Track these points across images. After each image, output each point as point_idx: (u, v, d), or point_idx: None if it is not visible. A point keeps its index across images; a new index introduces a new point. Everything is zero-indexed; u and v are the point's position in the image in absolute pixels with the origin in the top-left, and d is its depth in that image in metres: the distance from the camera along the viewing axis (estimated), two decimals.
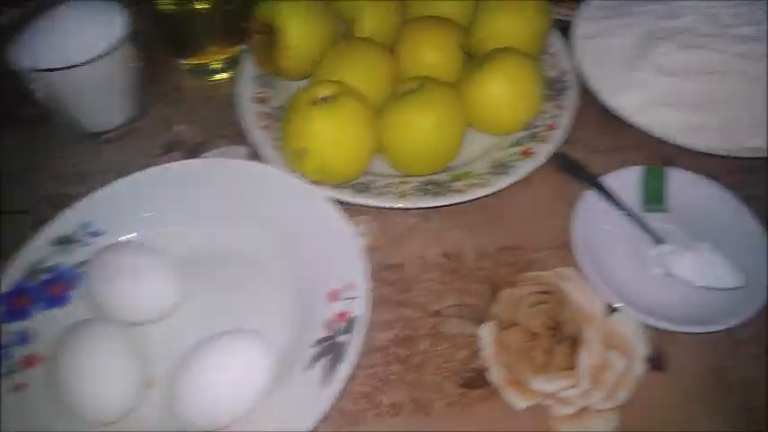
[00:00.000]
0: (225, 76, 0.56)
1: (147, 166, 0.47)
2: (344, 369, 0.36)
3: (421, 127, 0.42)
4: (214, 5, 0.50)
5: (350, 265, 0.39)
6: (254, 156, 0.49)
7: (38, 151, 0.51)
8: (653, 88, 0.46)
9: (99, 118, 0.49)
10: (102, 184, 0.46)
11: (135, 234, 0.42)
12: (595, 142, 0.50)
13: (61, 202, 0.46)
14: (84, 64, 0.43)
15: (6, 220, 0.47)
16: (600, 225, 0.44)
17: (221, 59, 0.55)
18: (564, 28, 0.54)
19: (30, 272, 0.40)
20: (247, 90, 0.50)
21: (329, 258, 0.40)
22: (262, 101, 0.50)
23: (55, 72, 0.43)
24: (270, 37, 0.47)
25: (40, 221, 0.43)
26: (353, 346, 0.36)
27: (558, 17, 0.58)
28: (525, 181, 0.46)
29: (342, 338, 0.37)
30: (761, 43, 0.44)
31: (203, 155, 0.51)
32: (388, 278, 0.43)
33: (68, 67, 0.43)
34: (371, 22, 0.49)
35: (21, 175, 0.50)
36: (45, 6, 0.47)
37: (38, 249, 0.40)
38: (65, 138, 0.52)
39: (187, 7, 0.50)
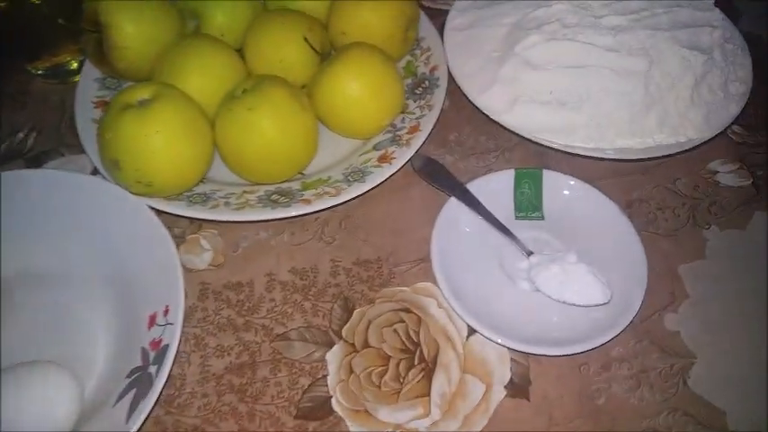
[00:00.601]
0: (76, 78, 0.50)
1: None
2: (147, 404, 0.31)
3: (259, 130, 0.38)
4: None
5: (169, 286, 0.35)
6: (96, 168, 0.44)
7: None
8: (520, 84, 0.42)
9: None
10: None
11: None
12: (470, 144, 0.47)
13: None
14: None
15: None
16: (463, 236, 0.40)
17: (68, 61, 0.50)
18: (435, 13, 0.50)
19: None
20: (86, 93, 0.45)
21: (151, 279, 0.36)
22: (102, 104, 0.45)
23: None
24: (100, 35, 0.42)
25: None
26: (159, 378, 0.32)
27: (434, 6, 0.54)
28: (388, 188, 0.42)
29: (151, 369, 0.32)
30: (631, 34, 0.40)
31: (45, 164, 0.46)
32: (232, 299, 0.39)
33: None
34: (221, 18, 0.45)
35: None
36: None
37: None
38: None
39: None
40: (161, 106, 0.36)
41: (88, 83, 0.46)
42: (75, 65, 0.50)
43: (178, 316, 0.34)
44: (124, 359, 0.34)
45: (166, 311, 0.34)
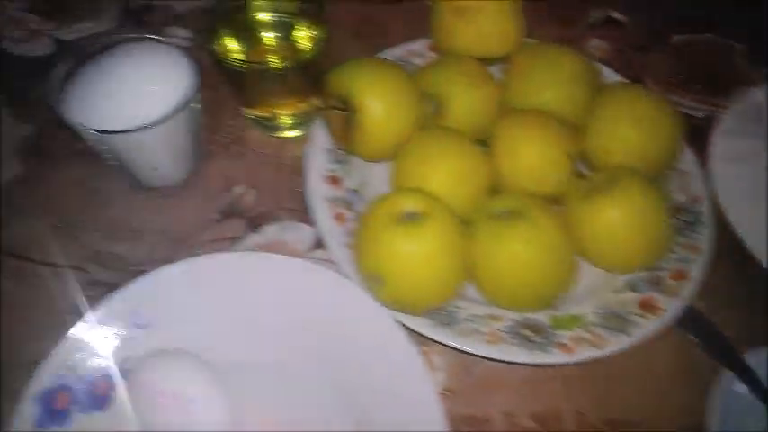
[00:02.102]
0: (292, 134, 0.49)
1: (203, 230, 0.44)
2: None
3: (528, 265, 0.35)
4: (288, 65, 0.43)
5: (424, 413, 0.32)
6: (319, 240, 0.43)
7: (89, 198, 0.46)
8: None
9: (156, 174, 0.43)
10: (153, 246, 0.43)
11: (179, 334, 0.36)
12: (729, 292, 0.41)
13: (110, 261, 0.43)
14: (146, 127, 0.37)
15: (53, 275, 0.42)
16: (741, 417, 0.35)
17: (290, 115, 0.48)
18: (692, 126, 0.45)
19: (70, 365, 0.34)
20: (317, 166, 0.43)
21: (399, 407, 0.33)
22: (333, 181, 0.43)
23: (115, 134, 0.37)
24: (346, 114, 0.40)
25: (89, 282, 0.41)
26: None
27: (685, 111, 0.50)
28: None
29: None
30: None
31: (263, 228, 0.45)
32: None
33: (130, 131, 0.37)
34: (463, 107, 0.42)
35: (71, 225, 0.45)
36: (103, 46, 0.42)
37: (81, 337, 0.35)
38: (118, 187, 0.46)
39: (259, 66, 0.43)
40: (433, 224, 0.34)
41: (316, 152, 0.44)
42: (289, 121, 0.49)
43: None
44: None
45: None
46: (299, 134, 0.49)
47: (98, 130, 0.37)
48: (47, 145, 0.49)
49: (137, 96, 0.39)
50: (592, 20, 0.58)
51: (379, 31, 0.57)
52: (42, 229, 0.44)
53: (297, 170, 0.47)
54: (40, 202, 0.46)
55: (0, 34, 0.56)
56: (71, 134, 0.49)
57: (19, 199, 0.46)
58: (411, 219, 0.34)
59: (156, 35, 0.55)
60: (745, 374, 0.36)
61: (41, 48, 0.55)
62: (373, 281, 0.35)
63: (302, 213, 0.45)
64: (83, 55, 0.41)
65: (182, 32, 0.56)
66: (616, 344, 0.35)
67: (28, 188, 0.46)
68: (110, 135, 0.38)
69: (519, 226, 0.35)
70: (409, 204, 0.35)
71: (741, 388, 0.36)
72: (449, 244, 0.34)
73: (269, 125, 0.49)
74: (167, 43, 0.42)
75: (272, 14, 0.47)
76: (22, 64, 0.54)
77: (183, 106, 0.38)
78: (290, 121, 0.49)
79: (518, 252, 0.35)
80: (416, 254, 0.33)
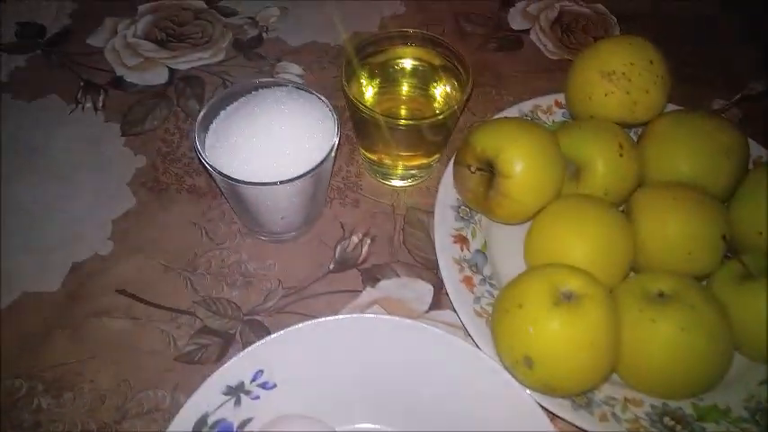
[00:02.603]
0: (407, 183, 0.49)
1: (319, 279, 0.44)
2: None
3: (683, 353, 0.33)
4: (418, 126, 0.43)
5: None
6: (438, 293, 0.42)
7: (202, 238, 0.46)
8: None
9: (281, 222, 0.43)
10: (267, 294, 0.43)
11: (308, 397, 0.36)
12: None
13: (222, 307, 0.43)
14: (286, 182, 0.37)
15: (168, 321, 0.42)
16: None
17: (410, 166, 0.48)
18: None
19: (197, 426, 0.34)
20: (445, 225, 0.43)
21: None
22: (460, 240, 0.42)
23: (255, 185, 0.37)
24: (487, 176, 0.40)
25: (200, 329, 0.41)
26: None
27: None
28: None
29: None
30: None
31: (382, 281, 0.44)
32: None
33: (268, 184, 0.37)
34: (605, 174, 0.41)
35: (183, 266, 0.44)
36: (248, 87, 0.42)
37: (207, 398, 0.34)
38: (232, 229, 0.46)
39: (392, 121, 0.42)
40: (594, 307, 0.32)
41: (444, 211, 0.43)
42: (403, 171, 0.48)
43: None
44: None
45: None
46: (412, 184, 0.49)
47: (238, 181, 0.37)
48: (159, 178, 0.49)
49: (276, 144, 0.39)
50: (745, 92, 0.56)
51: (494, 80, 0.57)
52: (154, 268, 0.44)
53: (411, 223, 0.47)
54: (153, 239, 0.46)
55: (116, 61, 0.57)
56: (184, 168, 0.50)
57: (131, 234, 0.46)
58: (569, 299, 0.33)
59: (270, 69, 0.55)
60: None
61: (155, 77, 0.56)
62: (520, 364, 0.33)
63: (419, 270, 0.44)
64: (221, 96, 0.41)
65: (295, 69, 0.57)
66: None
67: (140, 223, 0.47)
68: (248, 185, 0.37)
69: (676, 310, 0.34)
70: (567, 283, 0.34)
71: None
72: (608, 327, 0.33)
73: (385, 172, 0.49)
74: (305, 89, 0.42)
75: (414, 63, 0.46)
76: (136, 92, 0.55)
77: (324, 160, 0.38)
78: (407, 173, 0.48)
79: (674, 339, 0.33)
80: (576, 338, 0.32)
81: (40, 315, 0.42)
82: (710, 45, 0.62)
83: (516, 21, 0.64)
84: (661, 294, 0.35)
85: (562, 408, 0.35)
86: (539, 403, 0.34)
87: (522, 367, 0.33)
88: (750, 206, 0.39)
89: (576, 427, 0.35)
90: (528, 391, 0.34)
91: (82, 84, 0.55)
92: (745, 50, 0.60)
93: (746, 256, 0.38)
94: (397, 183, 0.49)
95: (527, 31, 0.63)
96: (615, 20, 0.65)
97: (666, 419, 0.35)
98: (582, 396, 0.35)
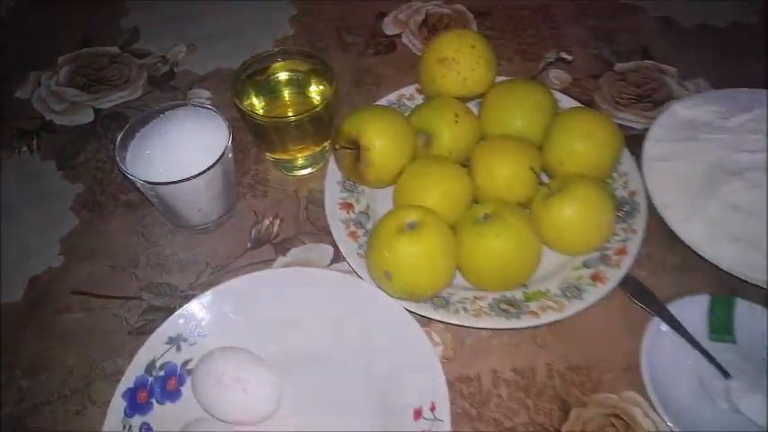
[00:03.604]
0: (307, 171, 0.60)
1: (239, 257, 0.54)
2: None
3: (502, 254, 0.45)
4: (303, 118, 0.53)
5: (432, 383, 0.42)
6: (337, 251, 0.53)
7: (138, 240, 0.56)
8: (722, 224, 0.48)
9: (199, 215, 0.53)
10: (198, 274, 0.53)
11: (233, 338, 0.46)
12: (660, 259, 0.53)
13: (162, 290, 0.53)
14: (194, 177, 0.47)
15: (116, 306, 0.52)
16: (667, 353, 0.46)
17: (305, 157, 0.59)
18: (629, 138, 0.56)
19: (147, 368, 0.44)
20: (333, 196, 0.54)
21: (412, 375, 0.43)
22: (346, 207, 0.54)
23: (168, 185, 0.47)
24: (355, 152, 0.51)
25: (147, 308, 0.51)
26: None
27: (627, 124, 0.61)
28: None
29: None
30: None
31: (290, 251, 0.55)
32: (464, 391, 0.46)
33: (181, 181, 0.47)
34: (449, 139, 0.53)
35: (126, 264, 0.54)
36: (156, 111, 0.52)
37: (153, 347, 0.44)
38: (162, 229, 0.56)
39: (280, 120, 0.54)
40: (429, 230, 0.44)
41: (332, 186, 0.55)
42: (302, 161, 0.59)
43: (445, 413, 0.41)
44: None
45: (432, 408, 0.41)
46: (312, 172, 0.60)
47: (154, 183, 0.47)
48: (97, 200, 0.59)
49: (182, 152, 0.49)
50: (547, 59, 0.71)
51: (374, 80, 0.69)
52: (102, 270, 0.54)
53: (312, 201, 0.58)
54: (98, 248, 0.55)
55: (44, 108, 0.66)
56: (117, 188, 0.59)
57: (78, 247, 0.55)
58: (411, 228, 0.45)
59: (182, 97, 0.66)
60: (668, 318, 0.47)
61: (83, 117, 0.66)
62: (384, 278, 0.45)
63: (320, 235, 0.55)
64: (135, 121, 0.51)
65: (204, 93, 0.67)
66: (573, 308, 0.46)
67: (85, 237, 0.56)
68: (163, 186, 0.47)
69: (494, 224, 0.46)
70: (409, 217, 0.45)
71: (664, 327, 0.47)
72: (442, 244, 0.45)
73: (287, 166, 0.60)
74: (202, 106, 0.53)
75: (289, 73, 0.58)
76: (66, 132, 0.64)
77: (221, 157, 0.49)
78: (305, 162, 0.59)
79: (494, 245, 0.45)
80: (417, 254, 0.44)
81: (10, 321, 0.51)
82: (546, 29, 0.76)
83: (389, 27, 0.75)
84: (486, 216, 0.47)
85: (424, 309, 0.46)
86: (406, 309, 0.46)
87: (384, 280, 0.45)
88: (554, 144, 0.52)
89: (439, 321, 0.47)
90: (398, 301, 0.46)
91: (14, 132, 0.64)
92: (573, 31, 0.75)
93: (551, 181, 0.50)
94: (298, 172, 0.60)
95: (399, 36, 0.75)
96: (472, 16, 0.77)
97: (503, 305, 0.47)
98: (440, 299, 0.47)
